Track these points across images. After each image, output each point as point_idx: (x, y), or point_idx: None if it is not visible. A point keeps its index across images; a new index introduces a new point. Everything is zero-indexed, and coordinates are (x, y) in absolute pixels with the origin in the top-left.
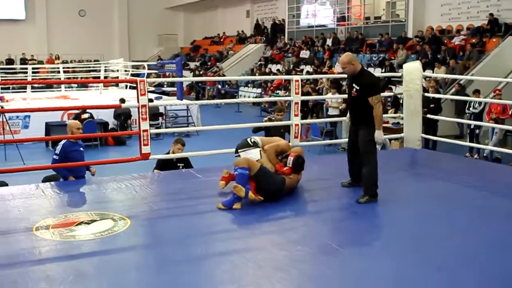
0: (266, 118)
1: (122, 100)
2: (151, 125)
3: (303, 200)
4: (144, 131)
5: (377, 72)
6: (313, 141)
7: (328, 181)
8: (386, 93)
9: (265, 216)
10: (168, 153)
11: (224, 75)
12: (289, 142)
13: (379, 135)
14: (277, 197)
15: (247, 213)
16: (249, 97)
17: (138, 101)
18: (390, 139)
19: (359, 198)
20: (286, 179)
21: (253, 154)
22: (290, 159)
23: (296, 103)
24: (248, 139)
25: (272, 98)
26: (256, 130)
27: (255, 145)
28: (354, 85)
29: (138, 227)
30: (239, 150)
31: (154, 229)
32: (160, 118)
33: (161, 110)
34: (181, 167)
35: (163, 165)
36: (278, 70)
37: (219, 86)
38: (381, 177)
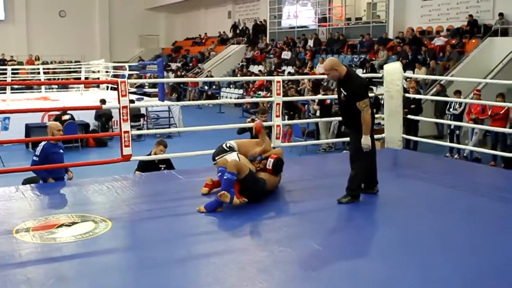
0: (249, 119)
1: (103, 101)
2: (132, 126)
3: (284, 200)
4: (125, 132)
5: (358, 73)
6: (294, 142)
7: (309, 181)
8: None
9: (247, 218)
10: (150, 154)
11: (212, 76)
12: (272, 143)
13: (365, 140)
14: (259, 199)
15: (228, 214)
16: (231, 98)
17: (119, 102)
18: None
19: (341, 198)
20: (265, 180)
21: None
22: (271, 161)
23: (278, 103)
24: (224, 145)
25: (254, 99)
26: (241, 132)
27: (231, 149)
28: (342, 90)
29: (119, 229)
30: (216, 158)
31: (136, 231)
32: (141, 119)
33: (143, 111)
34: (162, 168)
35: (145, 166)
36: (259, 71)
37: (206, 87)
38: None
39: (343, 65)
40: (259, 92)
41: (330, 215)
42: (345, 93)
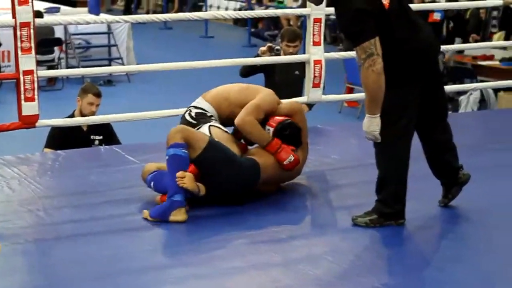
0: (264, 48)
1: None
2: (40, 63)
3: (326, 205)
4: (26, 73)
5: None
6: (352, 95)
7: (373, 168)
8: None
9: (251, 233)
10: (73, 115)
11: None
12: (305, 95)
13: (367, 124)
14: (241, 196)
15: (217, 226)
16: (226, 8)
17: (13, 16)
18: (496, 90)
19: (358, 216)
20: (260, 163)
21: None
22: (269, 129)
23: (317, 20)
24: (187, 113)
25: (271, 11)
26: (246, 73)
27: (201, 118)
28: None
29: (14, 256)
30: None
31: (45, 261)
32: (56, 49)
33: (59, 33)
34: (97, 142)
35: (63, 138)
36: None
37: None
38: (472, 162)
39: None
40: None
41: (406, 231)
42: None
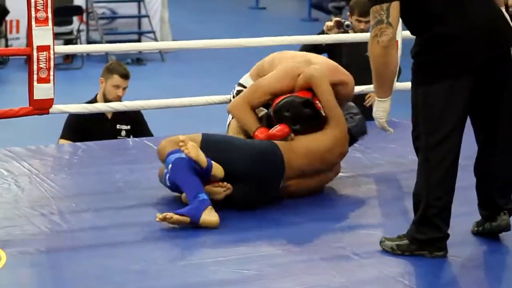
0: (331, 23)
1: None
2: (57, 35)
3: (400, 215)
4: (41, 49)
5: None
6: None
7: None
8: None
9: (306, 247)
10: (94, 100)
11: None
12: None
13: (375, 108)
14: (263, 195)
15: (265, 237)
16: None
17: None
18: None
19: (386, 239)
20: (278, 144)
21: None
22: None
23: None
24: (232, 92)
25: None
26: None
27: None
28: None
29: (22, 268)
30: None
31: (58, 275)
32: (75, 19)
33: (78, 1)
34: (124, 133)
35: (83, 128)
36: None
37: None
38: None
39: None
40: None
41: (489, 259)
42: None
